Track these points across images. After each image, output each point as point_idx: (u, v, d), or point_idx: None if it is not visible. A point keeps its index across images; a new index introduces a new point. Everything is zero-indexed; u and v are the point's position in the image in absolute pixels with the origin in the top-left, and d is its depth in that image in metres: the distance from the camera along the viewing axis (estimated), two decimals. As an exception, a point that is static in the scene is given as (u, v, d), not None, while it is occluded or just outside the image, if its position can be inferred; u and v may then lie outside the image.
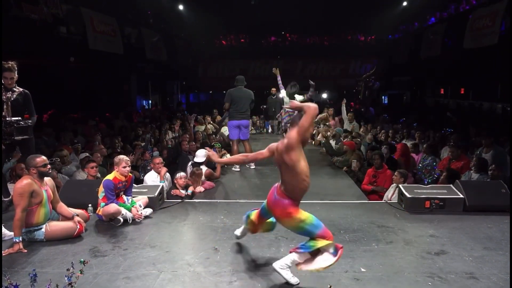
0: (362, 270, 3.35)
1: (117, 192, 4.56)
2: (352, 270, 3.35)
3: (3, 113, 4.37)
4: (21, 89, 4.53)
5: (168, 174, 6.21)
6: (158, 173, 5.88)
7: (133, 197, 4.76)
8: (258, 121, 14.10)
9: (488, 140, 6.75)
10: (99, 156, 6.69)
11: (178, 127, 10.39)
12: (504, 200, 4.78)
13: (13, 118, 4.33)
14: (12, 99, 4.43)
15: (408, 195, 4.92)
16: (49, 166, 4.02)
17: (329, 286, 2.88)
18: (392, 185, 5.83)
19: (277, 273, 3.08)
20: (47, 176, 4.04)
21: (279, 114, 9.80)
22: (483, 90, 14.25)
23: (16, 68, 4.45)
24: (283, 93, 8.26)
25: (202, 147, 7.85)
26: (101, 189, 4.50)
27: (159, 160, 6.02)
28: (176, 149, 8.44)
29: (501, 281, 3.16)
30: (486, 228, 4.32)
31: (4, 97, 4.43)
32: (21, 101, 4.47)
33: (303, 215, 3.03)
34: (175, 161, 7.73)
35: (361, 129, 10.24)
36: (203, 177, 6.18)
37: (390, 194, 5.67)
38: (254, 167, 7.71)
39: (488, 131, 7.85)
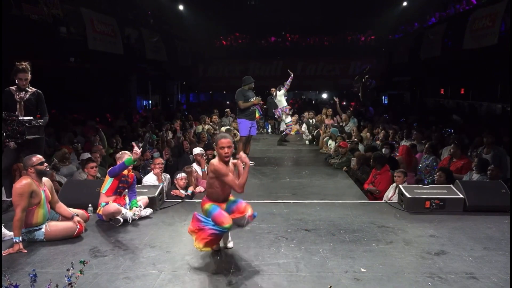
0: (362, 270, 3.35)
1: (120, 185, 4.55)
2: (352, 270, 3.35)
3: (16, 112, 4.47)
4: (34, 89, 4.69)
5: (168, 175, 6.19)
6: (157, 174, 5.85)
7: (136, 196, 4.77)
8: (258, 121, 14.08)
9: (490, 139, 6.74)
10: (98, 156, 6.68)
11: (179, 127, 10.38)
12: (504, 200, 4.78)
13: (25, 118, 4.45)
14: (25, 99, 4.54)
15: (408, 195, 4.92)
16: (46, 164, 4.02)
17: (329, 286, 2.88)
18: (392, 185, 5.83)
19: None
20: (45, 175, 4.04)
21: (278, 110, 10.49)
22: (483, 90, 14.26)
23: (30, 69, 4.55)
24: (280, 93, 10.06)
25: (206, 147, 7.88)
26: (105, 182, 4.49)
27: (159, 160, 6.01)
28: (178, 149, 8.44)
29: (501, 281, 3.16)
30: (486, 228, 4.31)
31: (17, 97, 4.57)
32: (33, 101, 4.64)
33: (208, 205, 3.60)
34: (177, 161, 7.73)
35: (365, 130, 10.22)
36: (196, 174, 6.10)
37: (390, 194, 5.68)
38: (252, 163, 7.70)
39: (489, 131, 7.85)
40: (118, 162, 4.60)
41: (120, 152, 4.83)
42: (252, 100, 7.67)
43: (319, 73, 21.79)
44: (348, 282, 3.16)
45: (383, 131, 9.32)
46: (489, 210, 4.77)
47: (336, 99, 12.72)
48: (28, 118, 4.48)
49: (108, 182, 4.50)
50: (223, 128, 11.20)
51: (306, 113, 12.83)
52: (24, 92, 4.59)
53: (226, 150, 3.44)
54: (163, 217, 4.74)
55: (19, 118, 4.46)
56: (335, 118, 11.78)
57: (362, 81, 14.58)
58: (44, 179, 4.05)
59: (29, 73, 4.58)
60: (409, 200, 4.90)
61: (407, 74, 19.19)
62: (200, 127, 11.20)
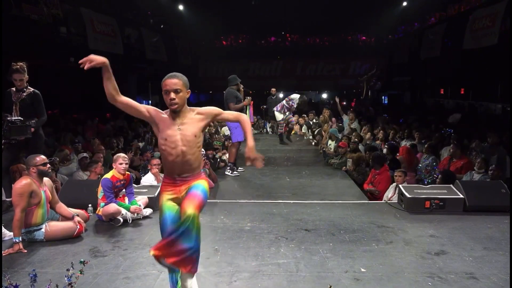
0: (362, 270, 3.35)
1: (115, 191, 4.55)
2: (352, 270, 3.35)
3: (13, 113, 4.50)
4: (31, 90, 4.68)
5: (163, 175, 6.15)
6: (155, 174, 5.83)
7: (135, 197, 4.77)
8: (258, 121, 14.10)
9: (495, 139, 6.74)
10: (100, 156, 6.67)
11: None
12: (504, 200, 4.78)
13: (14, 118, 4.41)
14: (21, 99, 4.55)
15: (408, 195, 4.92)
16: (48, 165, 4.03)
17: (329, 286, 2.88)
18: (392, 185, 5.83)
19: None
20: (46, 176, 4.04)
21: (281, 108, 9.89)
22: (483, 90, 14.26)
23: (26, 69, 4.54)
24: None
25: (205, 146, 7.86)
26: (100, 188, 4.51)
27: (156, 161, 5.99)
28: None
29: (501, 281, 3.16)
30: (486, 228, 4.31)
31: (14, 97, 4.58)
32: (28, 101, 4.63)
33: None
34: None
35: (364, 130, 10.22)
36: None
37: (390, 194, 5.68)
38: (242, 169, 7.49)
39: (491, 131, 7.84)
40: (114, 165, 4.60)
41: (116, 155, 4.79)
42: (244, 102, 7.23)
43: (319, 73, 21.81)
44: (348, 282, 3.15)
45: (381, 131, 9.32)
46: (489, 210, 4.77)
47: (337, 99, 12.66)
48: (16, 118, 4.44)
49: (101, 190, 4.50)
50: (224, 129, 11.20)
51: (301, 119, 12.81)
52: (20, 92, 4.58)
53: (172, 95, 2.49)
54: (163, 217, 4.73)
55: (8, 118, 4.43)
56: (333, 119, 11.76)
57: (368, 80, 14.53)
58: (45, 179, 4.05)
59: (25, 73, 4.55)
60: (409, 200, 4.90)
61: (407, 74, 19.19)
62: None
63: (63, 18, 9.77)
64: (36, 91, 4.68)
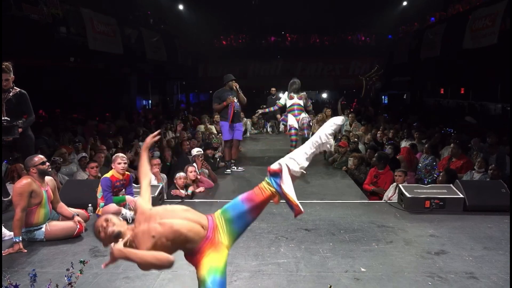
0: (362, 270, 3.35)
1: (115, 190, 4.55)
2: (352, 270, 3.35)
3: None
4: (17, 90, 4.54)
5: (164, 175, 6.17)
6: (155, 174, 5.83)
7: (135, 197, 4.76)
8: (258, 121, 14.08)
9: (494, 139, 6.75)
10: (102, 156, 6.67)
11: (180, 128, 10.35)
12: (504, 200, 4.78)
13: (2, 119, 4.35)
14: (6, 99, 4.45)
15: (408, 195, 4.92)
16: (47, 163, 4.02)
17: (329, 286, 2.88)
18: (392, 185, 5.83)
19: None
20: (47, 175, 4.03)
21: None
22: (483, 90, 14.25)
23: (11, 69, 4.44)
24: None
25: (204, 146, 7.87)
26: (99, 188, 4.51)
27: (156, 161, 5.99)
28: (176, 150, 8.44)
29: (501, 281, 3.16)
30: (486, 228, 4.32)
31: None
32: (14, 101, 4.46)
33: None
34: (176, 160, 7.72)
35: (361, 129, 10.22)
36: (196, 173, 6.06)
37: (390, 194, 5.68)
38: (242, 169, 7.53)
39: (490, 130, 7.84)
40: (113, 165, 4.60)
41: (115, 154, 4.80)
42: (223, 102, 7.06)
43: (319, 73, 21.80)
44: (348, 281, 3.16)
45: (380, 132, 9.31)
46: (489, 209, 4.77)
47: (343, 102, 12.58)
48: (3, 118, 4.31)
49: (101, 190, 4.50)
50: (211, 127, 11.17)
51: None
52: (6, 93, 4.44)
53: None
54: (163, 217, 4.73)
55: None
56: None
57: (367, 79, 14.48)
58: (48, 178, 4.05)
59: (11, 73, 4.42)
60: (409, 200, 4.90)
61: (407, 74, 19.18)
62: (201, 127, 11.16)
63: (63, 18, 9.75)
64: (23, 91, 4.53)
